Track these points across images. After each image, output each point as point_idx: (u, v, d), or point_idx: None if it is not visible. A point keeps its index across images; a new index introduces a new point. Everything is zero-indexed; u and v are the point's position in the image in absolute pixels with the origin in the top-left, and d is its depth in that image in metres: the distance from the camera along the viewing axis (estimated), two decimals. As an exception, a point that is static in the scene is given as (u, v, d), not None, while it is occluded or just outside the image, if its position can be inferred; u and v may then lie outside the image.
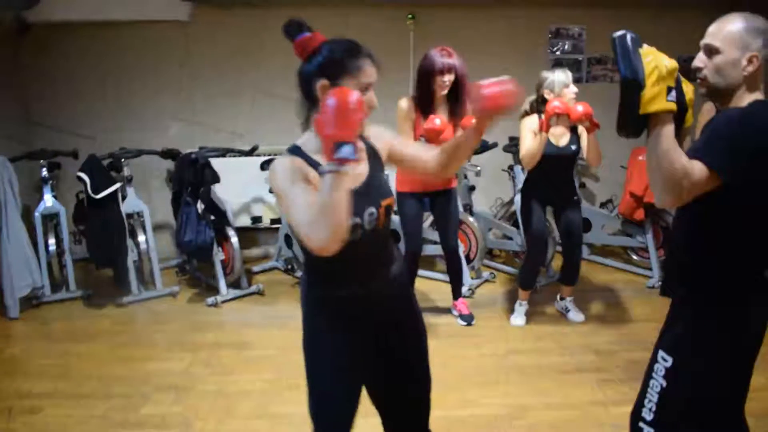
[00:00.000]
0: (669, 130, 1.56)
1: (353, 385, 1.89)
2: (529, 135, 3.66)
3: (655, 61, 1.53)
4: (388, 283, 1.87)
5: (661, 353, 1.85)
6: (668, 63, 1.54)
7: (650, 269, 4.89)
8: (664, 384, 1.83)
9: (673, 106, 1.54)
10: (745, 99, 1.72)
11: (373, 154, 1.83)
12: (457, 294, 4.19)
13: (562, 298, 4.24)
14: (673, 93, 1.54)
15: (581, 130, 3.74)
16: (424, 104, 3.65)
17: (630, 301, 4.50)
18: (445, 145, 1.86)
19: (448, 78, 3.56)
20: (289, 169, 1.64)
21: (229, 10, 5.32)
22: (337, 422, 1.88)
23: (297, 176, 1.61)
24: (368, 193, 1.74)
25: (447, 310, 4.27)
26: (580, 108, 3.41)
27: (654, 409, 1.85)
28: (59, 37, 5.28)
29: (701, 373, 1.79)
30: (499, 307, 4.43)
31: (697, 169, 1.58)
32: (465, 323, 4.09)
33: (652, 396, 1.85)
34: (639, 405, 1.91)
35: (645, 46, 1.57)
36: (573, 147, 3.78)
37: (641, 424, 1.88)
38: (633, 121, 1.57)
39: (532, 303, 4.26)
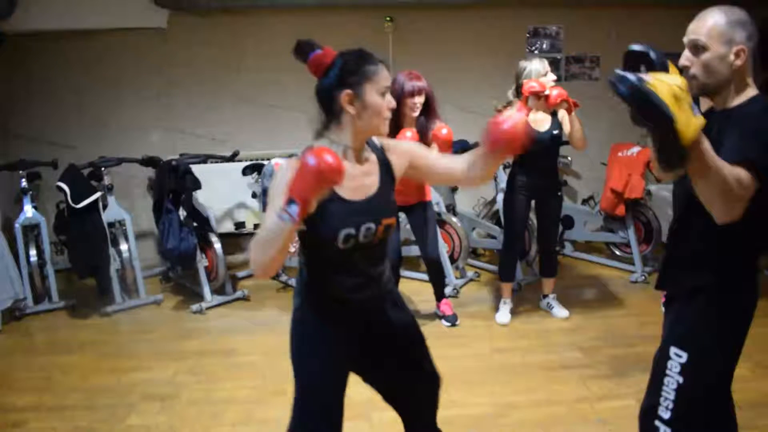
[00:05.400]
0: (707, 144, 1.49)
1: (340, 377, 1.93)
2: None
3: (667, 86, 1.42)
4: (380, 290, 1.94)
5: (673, 349, 1.81)
6: (678, 81, 1.44)
7: (633, 264, 4.94)
8: (681, 380, 1.79)
9: (702, 120, 1.45)
10: (740, 94, 1.71)
11: (385, 171, 1.87)
12: (439, 297, 4.22)
13: (545, 296, 4.27)
14: (695, 107, 1.44)
15: (562, 115, 3.80)
16: (392, 127, 3.69)
17: (613, 297, 4.54)
18: (473, 159, 1.86)
19: (419, 100, 3.62)
20: (288, 180, 1.62)
21: (207, 17, 5.31)
22: (323, 412, 1.90)
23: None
24: (371, 209, 1.79)
25: (431, 311, 4.28)
26: (554, 92, 3.55)
27: (671, 407, 1.80)
28: (36, 46, 5.24)
29: (717, 363, 1.79)
30: (484, 305, 4.45)
31: (743, 174, 1.53)
32: (449, 324, 4.11)
33: (668, 393, 1.81)
34: (653, 404, 1.86)
35: (648, 74, 1.46)
36: (555, 132, 3.84)
37: (657, 423, 1.83)
38: (679, 156, 1.46)
39: (516, 301, 4.30)
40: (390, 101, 1.77)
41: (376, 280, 1.91)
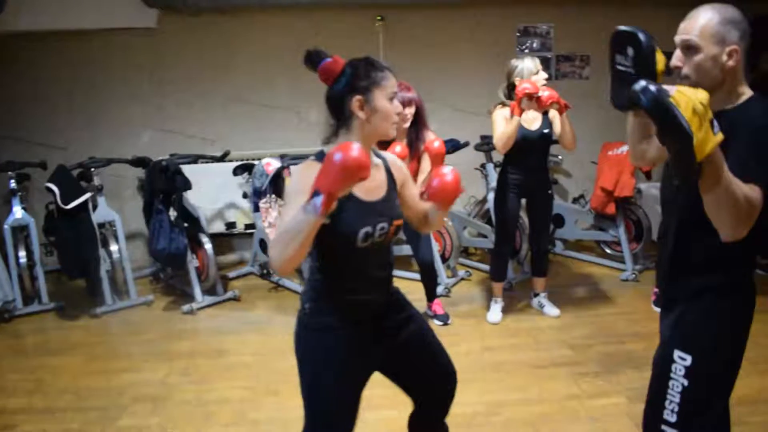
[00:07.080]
0: (723, 162, 1.45)
1: (354, 378, 1.95)
2: (502, 122, 3.75)
3: (689, 100, 1.37)
4: (388, 292, 2.02)
5: (677, 352, 1.78)
6: (701, 95, 1.39)
7: (623, 262, 4.96)
8: (686, 383, 1.77)
9: (720, 137, 1.40)
10: (734, 95, 1.67)
11: (390, 177, 1.95)
12: (431, 298, 4.23)
13: (536, 294, 4.29)
14: (716, 124, 1.40)
15: (553, 114, 3.83)
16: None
17: (604, 295, 4.57)
18: (427, 209, 2.04)
19: (410, 111, 3.64)
20: (303, 180, 1.71)
21: (198, 17, 5.28)
22: (336, 414, 1.93)
23: (305, 192, 1.63)
24: (384, 210, 1.87)
25: (423, 311, 4.28)
26: (546, 93, 3.57)
27: (677, 410, 1.78)
28: (25, 46, 5.21)
29: (722, 364, 1.78)
30: (476, 304, 4.46)
31: (753, 191, 1.51)
32: (440, 323, 4.12)
33: (674, 397, 1.79)
34: (657, 408, 1.84)
35: (672, 87, 1.41)
36: (545, 131, 3.86)
37: (664, 427, 1.81)
38: (693, 170, 1.43)
39: (507, 299, 4.31)
40: (397, 106, 1.84)
41: (385, 282, 1.98)
